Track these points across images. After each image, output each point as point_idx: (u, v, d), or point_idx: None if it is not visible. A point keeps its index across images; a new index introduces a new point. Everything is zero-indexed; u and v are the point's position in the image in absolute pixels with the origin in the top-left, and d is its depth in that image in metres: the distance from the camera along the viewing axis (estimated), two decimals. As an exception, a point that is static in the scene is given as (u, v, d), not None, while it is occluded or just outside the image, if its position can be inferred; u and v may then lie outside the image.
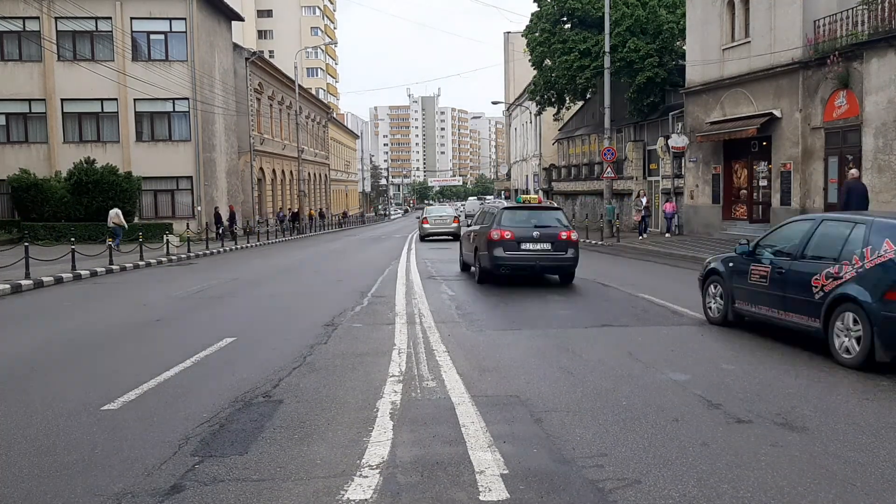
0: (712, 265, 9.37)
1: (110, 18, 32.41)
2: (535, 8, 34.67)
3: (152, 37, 33.61)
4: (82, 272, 17.22)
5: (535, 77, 37.23)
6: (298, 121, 49.35)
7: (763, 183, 24.48)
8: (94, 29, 32.55)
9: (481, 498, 3.91)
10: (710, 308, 9.28)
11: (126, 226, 26.38)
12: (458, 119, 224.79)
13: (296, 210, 47.97)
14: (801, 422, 5.16)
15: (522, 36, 38.06)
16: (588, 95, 36.88)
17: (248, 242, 32.71)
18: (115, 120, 33.10)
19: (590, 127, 40.18)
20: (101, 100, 32.85)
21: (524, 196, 38.41)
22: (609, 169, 30.35)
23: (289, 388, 6.26)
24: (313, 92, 75.13)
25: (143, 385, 6.43)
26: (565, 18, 33.89)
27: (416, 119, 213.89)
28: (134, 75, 31.66)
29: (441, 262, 19.61)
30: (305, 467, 4.42)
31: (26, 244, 16.33)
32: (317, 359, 7.45)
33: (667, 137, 29.49)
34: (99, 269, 18.12)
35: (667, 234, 27.99)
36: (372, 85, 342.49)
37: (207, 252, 26.22)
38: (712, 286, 9.25)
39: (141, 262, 20.48)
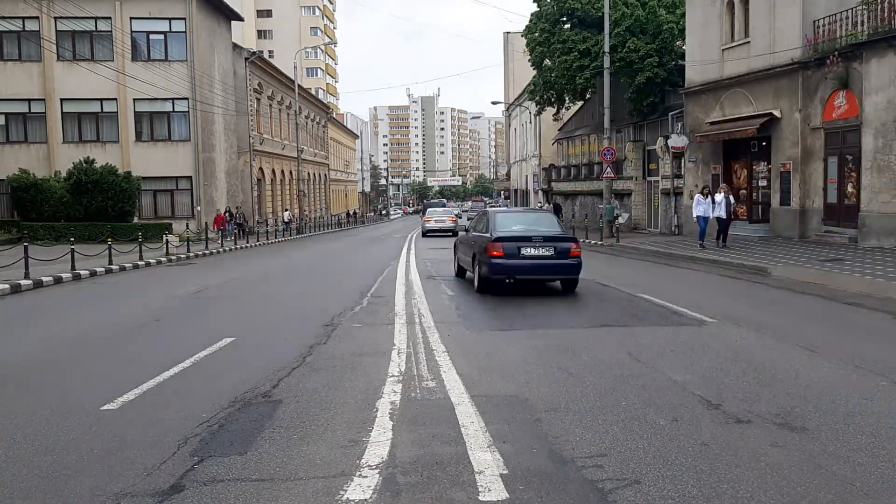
0: None
1: (110, 18, 32.42)
2: (534, 8, 34.64)
3: (152, 37, 33.62)
4: (82, 272, 17.22)
5: (534, 77, 37.21)
6: (298, 121, 49.36)
7: (763, 183, 24.49)
8: (94, 29, 32.55)
9: (481, 498, 3.91)
10: None
11: None
12: (458, 119, 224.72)
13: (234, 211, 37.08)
14: (801, 422, 5.16)
15: (522, 36, 38.04)
16: (588, 95, 36.86)
17: (247, 242, 32.70)
18: (115, 120, 33.10)
19: (589, 127, 40.17)
20: (101, 100, 32.86)
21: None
22: (608, 169, 30.33)
23: (288, 389, 6.26)
24: (313, 92, 75.14)
25: (142, 385, 6.43)
26: (565, 18, 33.87)
27: (416, 119, 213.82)
28: (133, 75, 31.66)
29: (441, 262, 19.59)
30: (305, 467, 4.42)
31: (26, 244, 16.32)
32: (316, 359, 7.45)
33: (666, 137, 29.48)
34: (98, 269, 18.11)
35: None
36: (372, 85, 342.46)
37: (207, 252, 26.22)
38: None
39: (140, 262, 20.47)
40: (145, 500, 3.97)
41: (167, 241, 24.36)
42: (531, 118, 53.66)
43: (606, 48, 29.09)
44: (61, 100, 32.65)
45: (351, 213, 75.52)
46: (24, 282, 14.83)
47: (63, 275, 16.43)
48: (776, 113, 22.37)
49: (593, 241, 27.99)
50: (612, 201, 31.27)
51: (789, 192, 22.29)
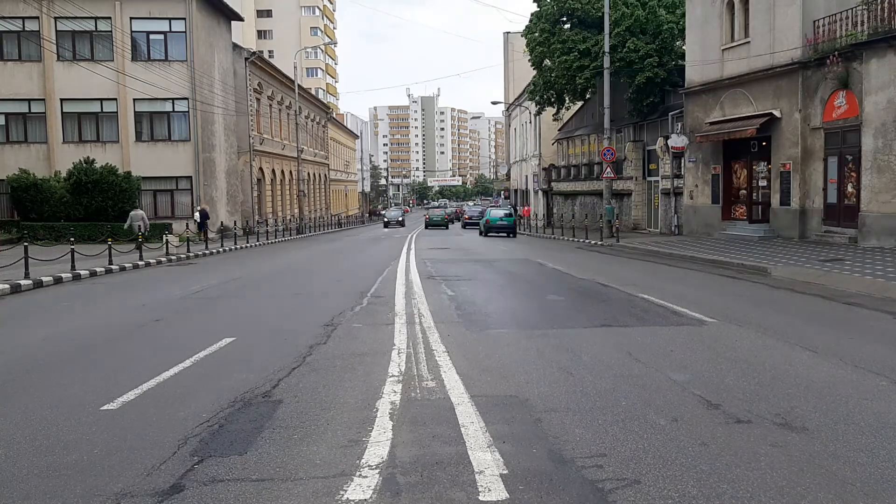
0: None
1: (110, 18, 32.39)
2: (534, 8, 34.68)
3: (152, 37, 33.59)
4: (82, 272, 17.22)
5: (534, 77, 37.24)
6: (298, 121, 49.34)
7: (763, 183, 24.50)
8: (94, 29, 32.54)
9: (481, 498, 3.91)
10: None
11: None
12: (458, 119, 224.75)
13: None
14: (801, 422, 5.16)
15: (522, 36, 38.07)
16: (588, 95, 36.88)
17: (247, 242, 32.70)
18: (115, 120, 33.08)
19: (589, 127, 40.18)
20: (101, 100, 32.83)
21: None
22: (608, 169, 30.35)
23: (288, 389, 6.26)
24: (313, 92, 75.14)
25: (142, 385, 6.43)
26: (565, 18, 33.90)
27: (416, 119, 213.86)
28: (133, 75, 31.65)
29: (441, 262, 19.60)
30: (305, 467, 4.42)
31: (25, 244, 16.32)
32: (316, 359, 7.45)
33: (666, 138, 29.49)
34: (98, 269, 18.11)
35: None
36: (371, 85, 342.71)
37: (207, 252, 26.22)
38: None
39: (140, 262, 20.47)
40: (145, 500, 3.97)
41: (167, 241, 24.36)
42: (531, 118, 53.66)
43: (606, 48, 29.11)
44: (61, 100, 32.63)
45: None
46: (24, 282, 14.83)
47: (63, 275, 16.43)
48: (776, 113, 22.38)
49: (593, 241, 28.00)
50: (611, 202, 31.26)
51: (789, 192, 22.30)
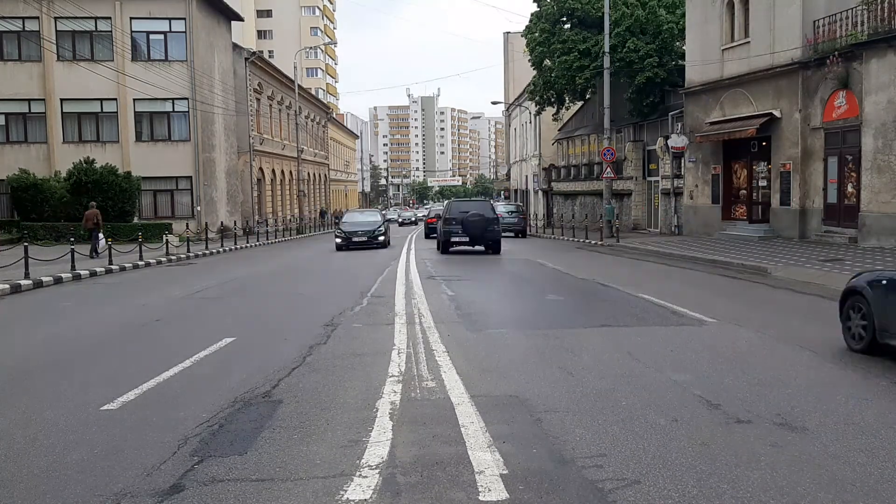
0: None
1: (110, 18, 32.38)
2: (534, 8, 34.66)
3: (152, 37, 33.59)
4: (82, 272, 17.22)
5: (534, 77, 37.21)
6: (298, 121, 49.33)
7: (763, 183, 24.49)
8: (94, 29, 32.53)
9: (481, 498, 3.91)
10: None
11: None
12: (458, 119, 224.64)
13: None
14: (801, 422, 5.16)
15: (522, 36, 38.06)
16: (588, 95, 36.86)
17: (247, 243, 32.70)
18: (115, 120, 33.07)
19: (589, 127, 40.16)
20: (101, 100, 32.82)
21: None
22: (608, 169, 30.33)
23: (288, 389, 6.26)
24: (313, 92, 75.12)
25: (142, 385, 6.43)
26: (565, 18, 33.88)
27: (416, 119, 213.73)
28: (133, 75, 31.64)
29: (440, 262, 19.61)
30: (305, 467, 4.42)
31: (26, 244, 16.32)
32: (316, 359, 7.45)
33: (666, 138, 29.48)
34: (98, 269, 18.11)
35: None
36: (372, 85, 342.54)
37: (207, 252, 26.22)
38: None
39: (140, 262, 20.47)
40: (145, 500, 3.97)
41: (167, 241, 24.35)
42: (531, 118, 53.62)
43: (606, 48, 29.09)
44: (61, 100, 32.61)
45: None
46: (24, 282, 14.83)
47: (63, 275, 16.43)
48: (776, 113, 22.36)
49: (593, 241, 27.99)
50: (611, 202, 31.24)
51: (789, 192, 22.29)
